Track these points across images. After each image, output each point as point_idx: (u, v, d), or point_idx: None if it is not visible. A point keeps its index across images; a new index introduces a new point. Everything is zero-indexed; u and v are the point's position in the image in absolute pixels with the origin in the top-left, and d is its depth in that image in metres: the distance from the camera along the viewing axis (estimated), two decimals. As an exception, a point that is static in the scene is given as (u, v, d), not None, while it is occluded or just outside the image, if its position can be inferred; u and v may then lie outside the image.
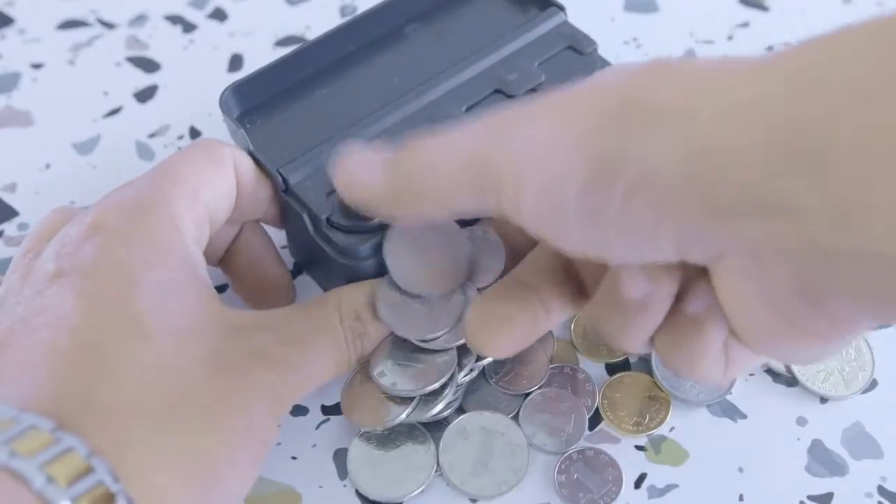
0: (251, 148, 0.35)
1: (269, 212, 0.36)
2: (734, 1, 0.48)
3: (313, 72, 0.39)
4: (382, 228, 0.33)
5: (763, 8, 0.48)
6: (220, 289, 0.39)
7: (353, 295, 0.33)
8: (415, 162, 0.28)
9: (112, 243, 0.30)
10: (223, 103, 0.36)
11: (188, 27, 0.49)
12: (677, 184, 0.22)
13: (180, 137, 0.44)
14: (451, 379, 0.33)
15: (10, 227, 0.42)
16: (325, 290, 0.36)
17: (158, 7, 0.50)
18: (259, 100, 0.38)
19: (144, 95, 0.46)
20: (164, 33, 0.49)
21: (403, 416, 0.33)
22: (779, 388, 0.36)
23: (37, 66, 0.48)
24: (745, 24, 0.47)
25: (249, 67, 0.47)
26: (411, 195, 0.28)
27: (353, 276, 0.34)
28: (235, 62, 0.47)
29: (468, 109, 0.37)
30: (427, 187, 0.28)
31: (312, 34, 0.48)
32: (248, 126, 0.37)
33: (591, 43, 0.39)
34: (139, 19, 0.49)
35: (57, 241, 0.31)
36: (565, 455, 0.33)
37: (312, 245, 0.34)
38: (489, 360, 0.35)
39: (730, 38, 0.46)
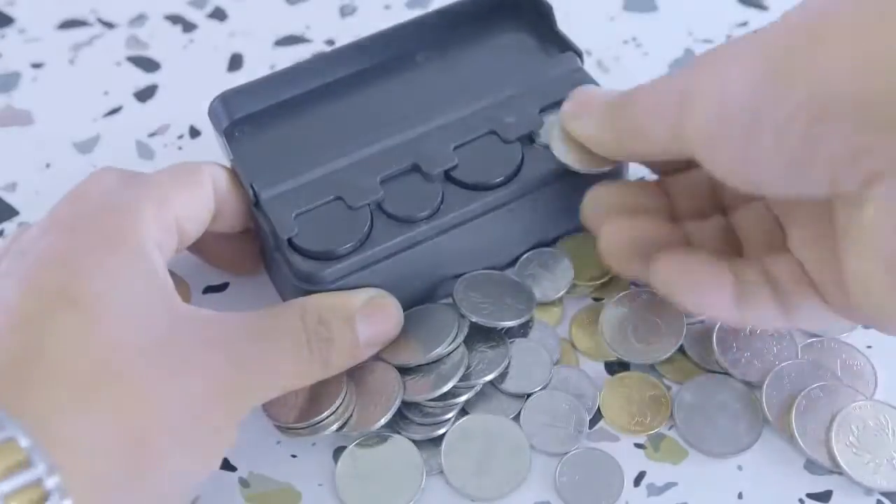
0: (231, 157, 0.35)
1: (247, 225, 0.36)
2: (733, 0, 0.48)
3: (311, 89, 0.38)
4: (345, 257, 0.33)
5: (762, 7, 0.48)
6: (221, 287, 0.39)
7: (320, 300, 0.33)
8: (635, 100, 0.32)
9: (62, 236, 0.30)
10: (211, 112, 0.36)
11: (188, 27, 0.49)
12: (843, 100, 0.24)
13: (180, 137, 0.44)
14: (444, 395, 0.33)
15: (10, 227, 0.42)
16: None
17: (158, 7, 0.50)
18: (249, 111, 0.37)
19: (144, 95, 0.46)
20: (164, 33, 0.49)
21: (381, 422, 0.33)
22: (778, 386, 0.36)
23: (37, 66, 0.48)
24: (745, 24, 0.47)
25: (249, 67, 0.47)
26: (630, 131, 0.32)
27: None
28: (235, 62, 0.47)
29: (457, 148, 0.36)
30: (645, 123, 0.31)
31: (312, 34, 0.48)
32: (236, 135, 0.36)
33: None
34: (139, 19, 0.49)
35: (14, 245, 0.31)
36: (566, 456, 0.33)
37: (275, 262, 0.35)
38: (490, 376, 0.34)
39: (729, 37, 0.46)
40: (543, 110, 0.37)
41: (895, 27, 0.23)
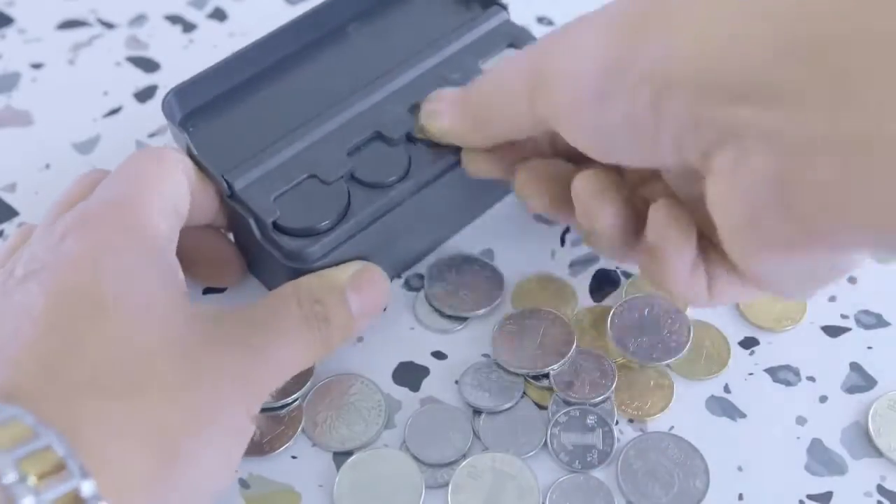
0: (195, 153, 0.35)
1: (217, 216, 0.36)
2: (734, 0, 0.48)
3: (256, 73, 0.39)
4: (330, 230, 0.34)
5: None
6: (221, 288, 0.39)
7: (310, 281, 0.33)
8: (482, 89, 0.33)
9: (80, 240, 0.30)
10: (165, 107, 0.36)
11: (188, 27, 0.49)
12: (685, 73, 0.25)
13: (180, 137, 0.44)
14: None
15: (10, 228, 0.42)
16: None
17: (158, 7, 0.50)
18: (202, 102, 0.37)
19: (144, 95, 0.46)
20: (164, 33, 0.49)
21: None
22: (778, 387, 0.36)
23: (37, 66, 0.48)
24: (745, 24, 0.47)
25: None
26: (483, 118, 0.33)
27: None
28: (235, 62, 0.47)
29: (412, 110, 0.37)
30: (495, 108, 0.32)
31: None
32: (190, 130, 0.37)
33: (533, 40, 0.39)
34: (139, 19, 0.49)
35: (25, 249, 0.31)
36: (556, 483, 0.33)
37: (259, 250, 0.35)
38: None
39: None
40: (484, 62, 0.38)
41: (736, 3, 0.24)
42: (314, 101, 0.37)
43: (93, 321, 0.28)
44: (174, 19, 0.49)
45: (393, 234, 0.36)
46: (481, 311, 0.37)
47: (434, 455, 0.34)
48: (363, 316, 0.34)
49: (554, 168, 0.33)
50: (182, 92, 0.37)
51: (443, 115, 0.34)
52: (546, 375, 0.35)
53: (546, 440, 0.34)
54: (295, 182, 0.35)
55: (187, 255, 0.36)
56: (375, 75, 0.38)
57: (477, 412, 0.35)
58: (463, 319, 0.37)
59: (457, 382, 0.36)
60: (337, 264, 0.34)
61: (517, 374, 0.35)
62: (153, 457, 0.27)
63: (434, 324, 0.37)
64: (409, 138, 0.36)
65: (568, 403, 0.35)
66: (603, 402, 0.35)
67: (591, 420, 0.34)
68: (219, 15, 0.49)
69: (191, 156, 0.35)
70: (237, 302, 0.38)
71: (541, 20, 0.48)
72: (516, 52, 0.33)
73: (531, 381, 0.35)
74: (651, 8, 0.26)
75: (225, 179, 0.35)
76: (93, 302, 0.28)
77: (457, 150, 0.35)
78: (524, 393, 0.35)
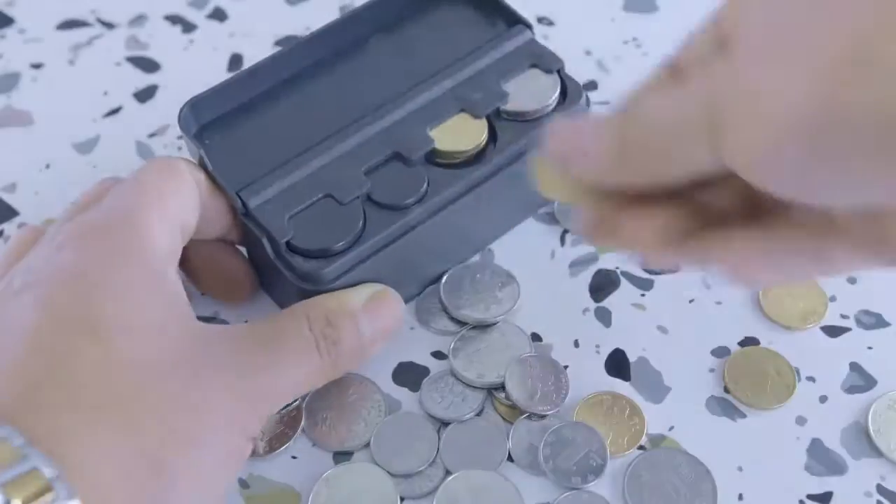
0: (210, 168, 0.34)
1: (230, 229, 0.36)
2: (734, 1, 0.48)
3: (273, 86, 0.38)
4: (344, 252, 0.33)
5: (762, 8, 0.48)
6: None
7: (323, 301, 0.33)
8: (640, 117, 0.27)
9: (77, 252, 0.30)
10: (181, 120, 0.36)
11: (188, 27, 0.49)
12: None
13: (180, 137, 0.44)
14: None
15: (10, 228, 0.42)
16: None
17: (158, 7, 0.50)
18: (218, 115, 0.37)
19: (144, 95, 0.46)
20: (164, 33, 0.49)
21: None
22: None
23: (37, 66, 0.48)
24: (745, 24, 0.47)
25: (249, 67, 0.47)
26: (640, 153, 0.27)
27: None
28: (235, 62, 0.47)
29: (432, 130, 0.36)
30: (655, 141, 0.26)
31: (312, 34, 0.48)
32: (206, 143, 0.36)
33: (557, 61, 0.38)
34: (139, 19, 0.49)
35: (25, 261, 0.31)
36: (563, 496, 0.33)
37: (272, 269, 0.34)
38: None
39: (729, 37, 0.46)
40: (506, 83, 0.38)
41: None
42: (332, 116, 0.37)
43: (82, 338, 0.28)
44: (174, 19, 0.49)
45: (409, 257, 0.35)
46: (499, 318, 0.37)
47: (401, 465, 0.34)
48: (375, 340, 0.33)
49: (677, 222, 0.29)
50: (198, 104, 0.36)
51: (587, 156, 0.28)
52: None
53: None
54: (310, 201, 0.35)
55: (199, 270, 0.36)
56: (395, 93, 0.37)
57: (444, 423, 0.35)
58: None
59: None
60: (351, 286, 0.34)
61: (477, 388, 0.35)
62: (140, 478, 0.27)
63: (438, 325, 0.37)
64: (428, 159, 0.36)
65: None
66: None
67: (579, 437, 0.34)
68: (219, 15, 0.49)
69: (205, 169, 0.35)
70: (250, 316, 0.38)
71: (541, 20, 0.48)
72: (684, 82, 0.27)
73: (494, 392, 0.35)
74: (859, 59, 0.22)
75: (239, 197, 0.34)
76: (83, 319, 0.28)
77: (474, 167, 0.35)
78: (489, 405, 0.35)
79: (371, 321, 0.33)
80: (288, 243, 0.34)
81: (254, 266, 0.37)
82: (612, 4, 0.49)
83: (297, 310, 0.32)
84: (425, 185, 0.35)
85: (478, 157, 0.36)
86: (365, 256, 0.34)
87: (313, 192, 0.35)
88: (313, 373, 0.32)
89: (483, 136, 0.36)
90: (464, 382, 0.35)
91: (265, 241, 0.34)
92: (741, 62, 0.25)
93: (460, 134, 0.37)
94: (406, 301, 0.36)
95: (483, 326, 0.37)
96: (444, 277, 0.38)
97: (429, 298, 0.38)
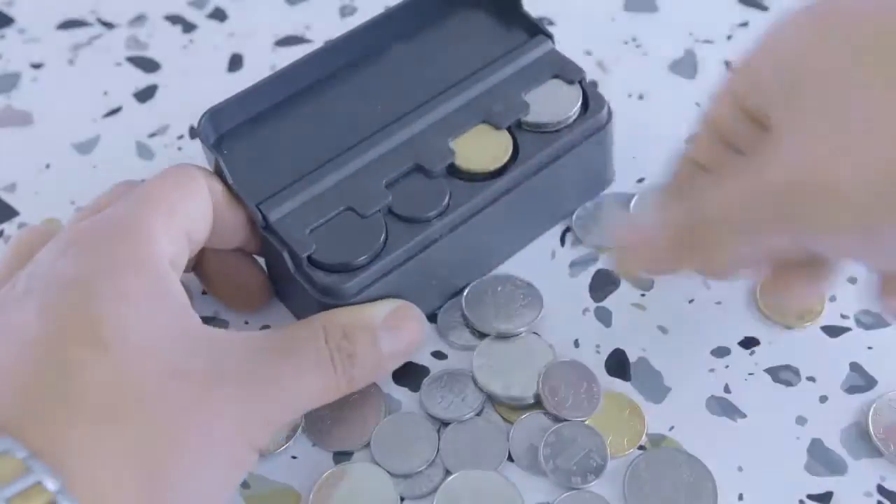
0: (230, 181, 0.34)
1: (249, 240, 0.35)
2: (733, 1, 0.48)
3: (293, 95, 0.38)
4: (366, 266, 0.33)
5: (762, 8, 0.48)
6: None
7: (340, 314, 0.32)
8: (705, 212, 0.28)
9: (79, 258, 0.30)
10: (201, 130, 0.35)
11: (188, 27, 0.49)
12: None
13: (180, 137, 0.44)
14: None
15: (10, 228, 0.42)
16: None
17: (158, 7, 0.50)
18: (237, 124, 0.36)
19: (144, 95, 0.46)
20: (164, 33, 0.49)
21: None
22: (778, 387, 0.36)
23: (37, 66, 0.48)
24: (745, 24, 0.47)
25: (249, 68, 0.47)
26: (709, 244, 0.29)
27: None
28: (235, 62, 0.47)
29: (453, 141, 0.36)
30: (724, 233, 0.28)
31: (312, 34, 0.48)
32: (224, 153, 0.36)
33: (579, 72, 0.38)
34: (139, 19, 0.49)
35: (31, 263, 0.31)
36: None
37: (292, 282, 0.34)
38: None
39: (729, 37, 0.46)
40: (528, 94, 0.37)
41: None
42: (352, 126, 0.36)
43: (85, 349, 0.28)
44: (174, 19, 0.49)
45: (431, 271, 0.35)
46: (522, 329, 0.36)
47: (401, 465, 0.33)
48: (394, 356, 0.33)
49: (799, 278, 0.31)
50: (217, 113, 0.36)
51: (651, 251, 0.31)
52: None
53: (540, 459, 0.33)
54: (331, 215, 0.34)
55: (213, 277, 0.36)
56: (416, 103, 0.37)
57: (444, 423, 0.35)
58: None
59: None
60: (372, 300, 0.33)
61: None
62: (141, 488, 0.27)
63: (460, 341, 0.37)
64: (450, 172, 0.36)
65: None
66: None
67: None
68: (219, 15, 0.49)
69: (224, 182, 0.34)
70: (252, 318, 0.38)
71: (541, 20, 0.48)
72: (727, 171, 0.28)
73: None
74: None
75: (260, 210, 0.34)
76: (84, 327, 0.28)
77: (495, 179, 0.35)
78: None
79: (390, 336, 0.33)
80: (309, 258, 0.33)
81: (272, 277, 0.37)
82: (612, 4, 0.49)
83: (314, 321, 0.32)
84: (447, 197, 0.35)
85: (499, 168, 0.36)
86: (387, 270, 0.34)
87: (334, 205, 0.35)
88: (327, 387, 0.31)
89: (507, 153, 0.36)
90: (487, 394, 0.35)
91: (286, 255, 0.34)
92: (801, 146, 0.25)
93: (482, 146, 0.36)
94: (427, 314, 0.35)
95: (505, 338, 0.36)
96: (466, 291, 0.37)
97: (450, 312, 0.37)
